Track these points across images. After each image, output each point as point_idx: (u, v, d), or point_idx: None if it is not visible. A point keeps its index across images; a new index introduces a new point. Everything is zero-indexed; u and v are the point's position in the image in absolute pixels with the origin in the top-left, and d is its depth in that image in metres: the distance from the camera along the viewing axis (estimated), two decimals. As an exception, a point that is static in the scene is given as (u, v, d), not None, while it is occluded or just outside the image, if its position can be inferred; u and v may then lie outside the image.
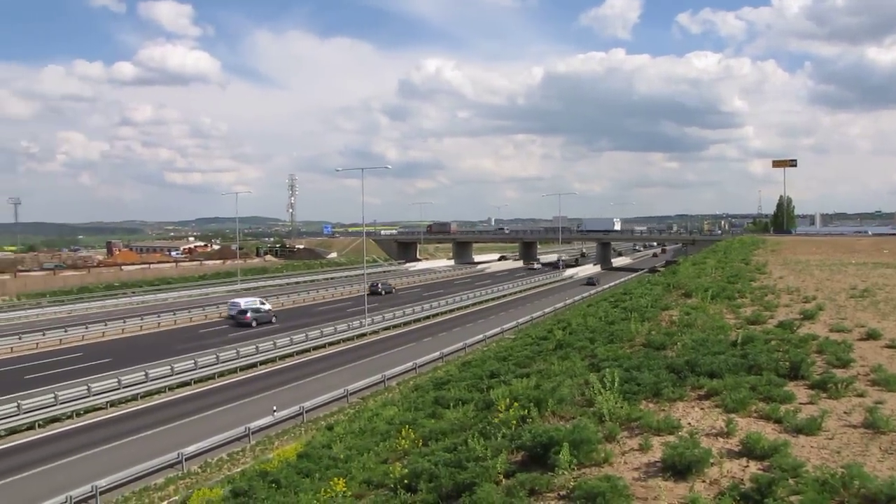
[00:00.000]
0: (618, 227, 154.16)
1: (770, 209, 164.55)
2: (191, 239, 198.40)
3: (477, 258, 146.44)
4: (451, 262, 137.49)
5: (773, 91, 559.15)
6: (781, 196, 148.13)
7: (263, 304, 67.36)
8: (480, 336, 53.19)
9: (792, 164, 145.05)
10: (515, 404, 12.26)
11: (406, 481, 10.39)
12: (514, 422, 11.36)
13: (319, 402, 35.65)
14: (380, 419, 23.56)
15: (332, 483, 12.68)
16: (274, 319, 63.95)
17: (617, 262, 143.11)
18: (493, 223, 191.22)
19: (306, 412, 34.20)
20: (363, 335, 56.86)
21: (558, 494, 7.93)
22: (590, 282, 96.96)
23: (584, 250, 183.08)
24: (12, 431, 32.31)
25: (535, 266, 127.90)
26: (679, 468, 7.91)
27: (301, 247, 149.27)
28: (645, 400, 11.34)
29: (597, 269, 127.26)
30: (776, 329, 17.18)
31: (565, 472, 8.17)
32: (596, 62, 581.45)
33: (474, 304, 76.53)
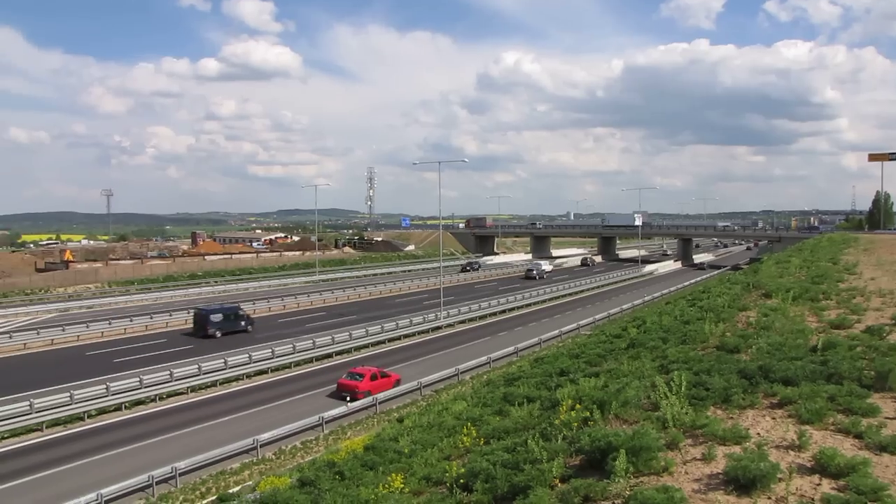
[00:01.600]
0: (638, 222, 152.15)
1: (865, 206, 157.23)
2: (259, 231, 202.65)
3: (555, 252, 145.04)
4: (529, 257, 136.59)
5: (871, 80, 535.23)
6: (878, 192, 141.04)
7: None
8: (556, 332, 52.64)
9: (892, 157, 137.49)
10: (578, 406, 12.00)
11: (463, 480, 10.28)
12: (576, 424, 11.11)
13: (393, 394, 35.94)
14: (449, 414, 23.53)
15: (391, 478, 12.72)
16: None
17: (699, 258, 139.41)
18: (571, 218, 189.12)
19: (379, 403, 34.53)
20: (438, 328, 57.03)
21: (613, 503, 7.66)
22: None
23: (665, 247, 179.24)
24: (102, 412, 33.73)
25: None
26: (743, 482, 7.49)
27: (379, 239, 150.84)
28: (713, 406, 10.87)
29: (677, 265, 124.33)
30: (863, 335, 16.11)
31: (621, 480, 7.89)
32: (678, 53, 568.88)
33: (551, 300, 75.81)
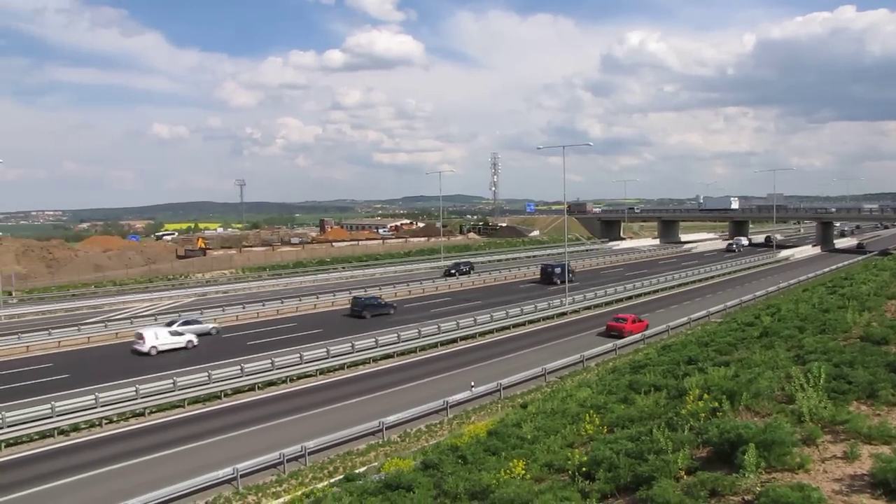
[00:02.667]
0: (735, 205, 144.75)
1: None
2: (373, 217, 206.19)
3: (684, 237, 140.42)
4: (656, 242, 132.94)
5: None
6: None
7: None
8: (684, 319, 51.01)
9: None
10: (707, 396, 11.53)
11: (585, 469, 10.10)
12: (704, 414, 10.68)
13: (517, 380, 35.84)
14: (573, 401, 23.24)
15: (513, 464, 12.67)
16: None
17: (841, 243, 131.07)
18: (700, 201, 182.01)
19: (503, 389, 34.53)
20: (563, 314, 56.47)
21: (743, 499, 7.27)
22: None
23: (802, 230, 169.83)
24: (236, 391, 35.50)
25: (735, 248, 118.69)
26: (893, 486, 6.93)
27: (503, 225, 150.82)
28: (856, 401, 10.16)
29: (815, 250, 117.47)
30: None
31: (751, 475, 7.48)
32: (817, 24, 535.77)
33: (679, 286, 73.47)
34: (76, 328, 51.72)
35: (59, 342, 48.63)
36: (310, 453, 26.19)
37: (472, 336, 48.00)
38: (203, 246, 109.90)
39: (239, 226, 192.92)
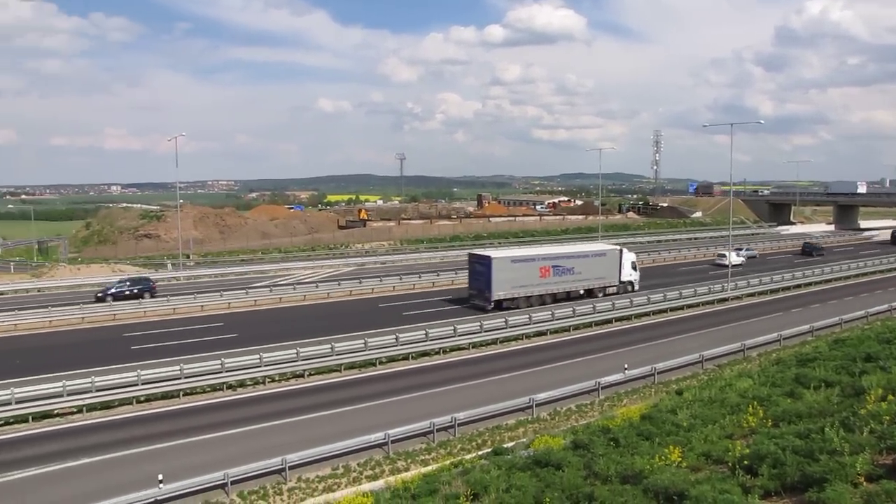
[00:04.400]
0: (862, 190, 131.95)
1: None
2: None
3: (864, 224, 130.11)
4: (831, 227, 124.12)
5: None
6: None
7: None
8: (861, 312, 47.21)
9: None
10: (891, 397, 10.53)
11: (746, 462, 9.51)
12: (887, 417, 9.73)
13: (672, 365, 34.58)
14: (732, 391, 22.21)
15: (668, 450, 12.20)
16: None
17: None
18: (887, 184, 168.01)
19: (658, 373, 33.44)
20: (724, 300, 53.92)
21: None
22: None
23: None
24: (391, 360, 36.51)
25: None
26: None
27: (664, 205, 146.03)
28: None
29: None
30: None
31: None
32: None
33: (857, 276, 68.17)
34: (244, 291, 55.17)
35: (230, 304, 52.10)
36: (459, 424, 26.50)
37: (628, 318, 46.83)
38: (366, 217, 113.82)
39: (398, 198, 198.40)
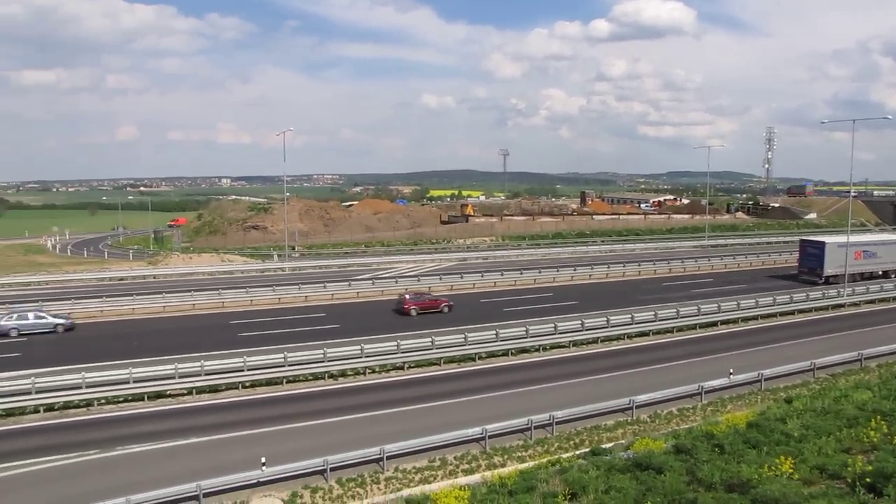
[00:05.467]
0: None
1: None
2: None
3: None
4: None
5: None
6: None
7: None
8: None
9: None
10: None
11: (869, 480, 8.91)
12: None
13: (781, 372, 33.08)
14: (848, 402, 21.10)
15: (778, 461, 11.61)
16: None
17: None
18: None
19: (765, 380, 32.08)
20: (840, 306, 51.16)
21: None
22: None
23: None
24: (490, 355, 36.52)
25: None
26: None
27: (776, 205, 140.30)
28: None
29: None
30: None
31: None
32: None
33: None
34: (347, 283, 56.37)
35: (333, 295, 53.33)
36: (557, 423, 26.21)
37: (734, 321, 45.11)
38: (471, 213, 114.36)
39: (500, 194, 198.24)
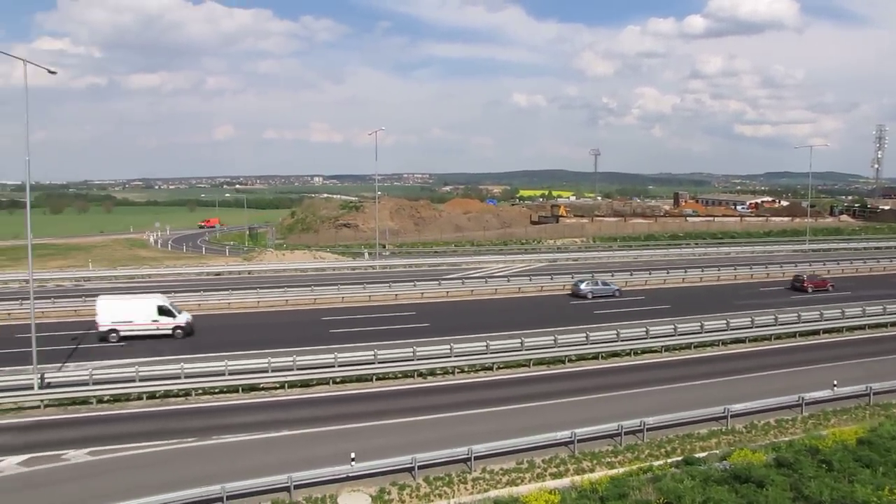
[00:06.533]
0: None
1: None
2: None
3: None
4: None
5: None
6: None
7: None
8: None
9: None
10: None
11: None
12: None
13: (893, 387, 31.22)
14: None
15: (896, 482, 10.91)
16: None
17: None
18: None
19: (874, 394, 30.31)
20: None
21: None
22: None
23: None
24: (580, 358, 36.00)
25: None
26: None
27: (886, 208, 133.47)
28: None
29: None
30: None
31: None
32: None
33: None
34: (437, 282, 56.61)
35: (422, 293, 53.68)
36: (648, 429, 25.55)
37: (838, 330, 43.01)
38: (563, 214, 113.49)
39: (591, 195, 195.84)
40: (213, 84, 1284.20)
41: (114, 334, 38.08)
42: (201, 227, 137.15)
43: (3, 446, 24.05)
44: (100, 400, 28.68)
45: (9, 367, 31.30)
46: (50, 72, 29.12)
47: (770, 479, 13.35)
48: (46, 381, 29.46)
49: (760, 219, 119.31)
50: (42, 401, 28.07)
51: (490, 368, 34.07)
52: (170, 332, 39.26)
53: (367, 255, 78.26)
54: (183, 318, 39.91)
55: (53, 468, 22.30)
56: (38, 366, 29.20)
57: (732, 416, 27.13)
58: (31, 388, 28.47)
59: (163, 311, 39.41)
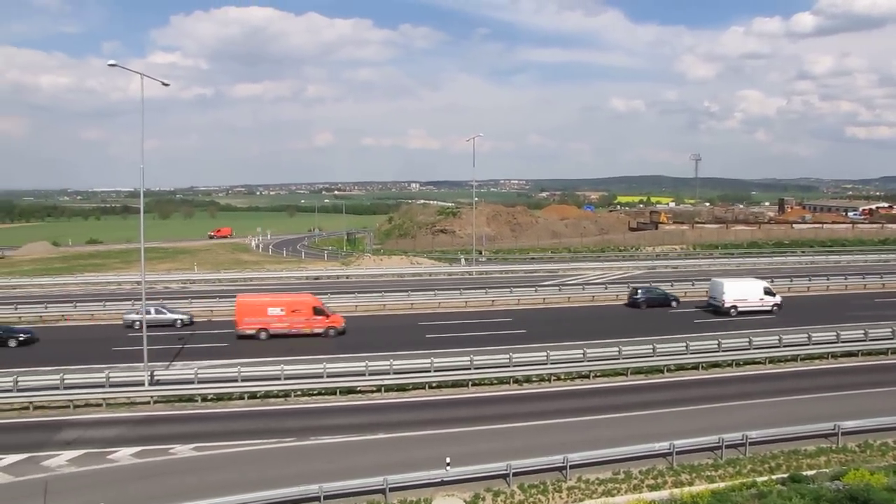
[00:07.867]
0: None
1: None
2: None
3: None
4: None
5: None
6: None
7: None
8: None
9: None
10: None
11: None
12: None
13: None
14: None
15: None
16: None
17: None
18: None
19: None
20: None
21: None
22: None
23: None
24: (679, 367, 35.27)
25: None
26: None
27: None
28: None
29: None
30: None
31: None
32: None
33: None
34: (534, 289, 56.37)
35: (519, 300, 53.66)
36: (751, 443, 24.67)
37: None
38: (664, 220, 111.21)
39: (691, 201, 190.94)
40: (314, 92, 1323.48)
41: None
42: (211, 236, 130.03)
43: (118, 438, 25.64)
44: (204, 398, 30.07)
45: (123, 364, 33.16)
46: (164, 84, 30.54)
47: (893, 502, 12.65)
48: (155, 378, 31.05)
49: (875, 226, 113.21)
50: (152, 397, 29.61)
51: (587, 376, 33.70)
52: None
53: (463, 260, 78.65)
54: None
55: (162, 461, 23.59)
56: (148, 363, 30.81)
57: (844, 434, 25.86)
58: (143, 384, 30.07)
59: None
